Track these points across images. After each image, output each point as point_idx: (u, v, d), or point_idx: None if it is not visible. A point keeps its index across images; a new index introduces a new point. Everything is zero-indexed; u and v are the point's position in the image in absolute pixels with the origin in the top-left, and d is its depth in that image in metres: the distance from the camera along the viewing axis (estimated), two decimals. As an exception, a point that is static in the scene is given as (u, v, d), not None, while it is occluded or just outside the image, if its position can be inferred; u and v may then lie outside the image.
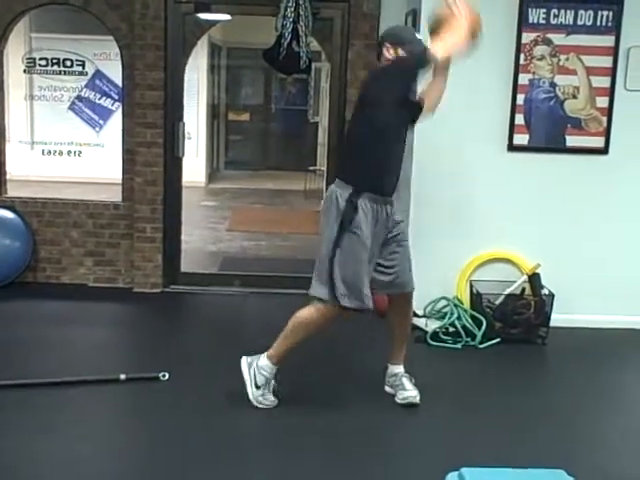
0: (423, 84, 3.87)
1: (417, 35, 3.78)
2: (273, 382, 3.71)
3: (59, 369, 4.06)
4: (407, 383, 3.83)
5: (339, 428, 3.56)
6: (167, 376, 3.97)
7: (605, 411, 3.97)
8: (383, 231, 3.62)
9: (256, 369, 3.68)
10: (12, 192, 5.97)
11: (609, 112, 4.96)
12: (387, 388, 3.92)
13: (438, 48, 3.44)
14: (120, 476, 3.15)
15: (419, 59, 3.47)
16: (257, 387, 3.67)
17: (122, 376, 3.92)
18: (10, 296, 5.36)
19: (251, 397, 3.67)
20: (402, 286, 3.78)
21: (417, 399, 3.77)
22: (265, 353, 3.71)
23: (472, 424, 3.68)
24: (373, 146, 3.55)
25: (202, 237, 7.83)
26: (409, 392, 3.79)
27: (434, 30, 3.61)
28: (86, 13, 5.60)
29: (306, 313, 3.63)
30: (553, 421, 3.76)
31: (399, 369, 3.89)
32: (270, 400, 3.68)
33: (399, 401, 3.79)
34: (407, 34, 3.78)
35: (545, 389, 4.20)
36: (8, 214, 5.62)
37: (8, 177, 5.93)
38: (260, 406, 3.66)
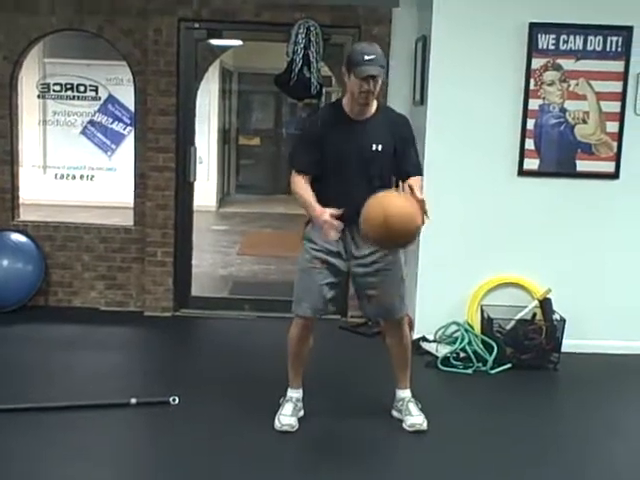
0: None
1: (368, 56, 3.41)
2: (299, 405, 3.81)
3: (70, 393, 4.07)
4: (413, 409, 3.81)
5: (347, 452, 3.54)
6: (177, 400, 3.97)
7: (617, 439, 3.92)
8: (353, 252, 3.64)
9: (284, 398, 3.86)
10: (25, 216, 6.00)
11: (619, 137, 4.97)
12: (394, 413, 3.90)
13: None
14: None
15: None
16: (284, 413, 3.78)
17: (133, 400, 3.92)
18: (22, 319, 5.38)
19: (276, 420, 3.76)
20: (388, 313, 3.77)
21: (424, 425, 3.75)
22: None
23: (482, 450, 3.65)
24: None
25: (213, 261, 7.85)
26: (415, 419, 3.77)
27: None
28: (99, 39, 5.67)
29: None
30: (564, 449, 3.72)
31: (404, 394, 3.87)
32: (292, 426, 3.72)
33: (406, 427, 3.77)
34: (356, 55, 3.47)
35: (556, 416, 4.17)
36: (21, 238, 5.66)
37: (21, 201, 5.97)
38: (283, 429, 3.70)
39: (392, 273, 3.70)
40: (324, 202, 3.48)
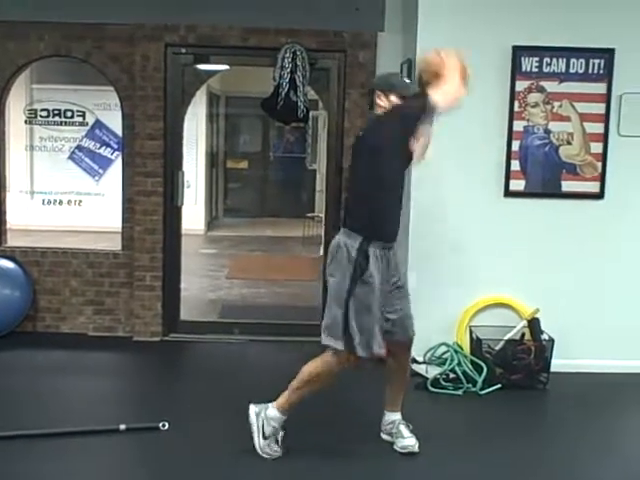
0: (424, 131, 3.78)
1: (406, 80, 3.85)
2: (281, 433, 3.67)
3: (58, 419, 4.04)
4: (405, 431, 3.80)
5: (338, 474, 3.53)
6: (167, 426, 3.94)
7: (607, 458, 3.94)
8: (389, 276, 3.65)
9: (265, 419, 3.64)
10: (12, 242, 6.00)
11: (604, 157, 5.02)
12: (384, 435, 3.89)
13: (439, 97, 3.44)
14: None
15: (422, 107, 3.46)
16: (264, 437, 3.63)
17: (122, 426, 3.90)
18: (9, 346, 5.34)
19: (257, 447, 3.62)
20: (404, 331, 3.76)
21: (416, 447, 3.74)
22: (274, 403, 3.66)
23: (473, 472, 3.65)
24: (376, 194, 3.57)
25: (201, 285, 7.84)
26: (408, 441, 3.76)
27: (423, 77, 3.65)
28: (87, 64, 5.69)
29: (320, 363, 3.61)
30: (554, 469, 3.73)
31: (396, 416, 3.86)
32: (274, 450, 3.64)
33: (398, 449, 3.76)
34: (396, 80, 3.87)
35: (546, 436, 4.17)
36: (8, 264, 5.64)
37: (8, 227, 5.96)
38: (265, 456, 3.62)
39: (407, 289, 3.80)
40: (380, 220, 3.59)
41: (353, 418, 4.21)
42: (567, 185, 5.05)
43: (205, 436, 3.92)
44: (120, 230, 5.79)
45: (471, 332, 5.02)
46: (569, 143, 5.01)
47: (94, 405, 4.37)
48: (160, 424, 3.94)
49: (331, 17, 5.45)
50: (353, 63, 5.53)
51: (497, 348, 4.88)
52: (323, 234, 6.40)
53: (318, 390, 3.64)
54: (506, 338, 4.91)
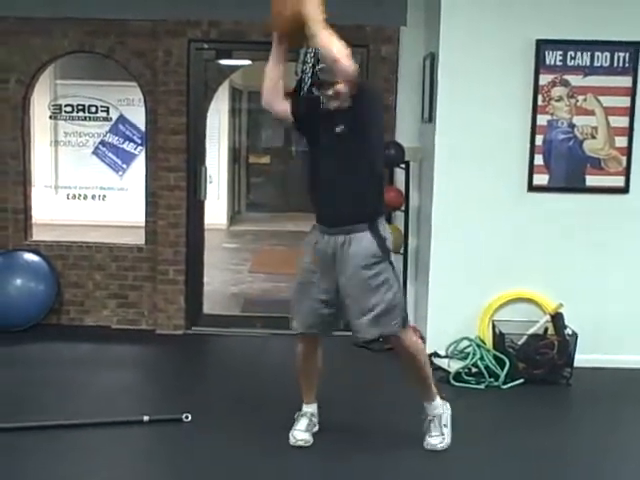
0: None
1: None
2: (314, 419, 3.81)
3: (82, 411, 4.09)
4: (433, 428, 3.74)
5: (364, 470, 3.54)
6: (190, 417, 3.98)
7: (631, 456, 3.91)
8: (331, 264, 3.56)
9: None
10: (37, 236, 6.05)
11: (628, 151, 4.97)
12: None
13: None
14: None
15: None
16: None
17: (145, 418, 3.94)
18: (34, 338, 5.41)
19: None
20: (355, 332, 3.62)
21: (438, 447, 3.69)
22: None
23: (495, 466, 3.65)
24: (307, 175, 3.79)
25: (224, 279, 7.87)
26: (431, 439, 3.72)
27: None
28: (110, 60, 5.73)
29: None
30: (577, 465, 3.71)
31: (427, 410, 3.77)
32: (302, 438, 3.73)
33: (424, 445, 3.74)
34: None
35: (569, 432, 4.15)
36: (33, 257, 5.70)
37: (33, 221, 6.02)
38: (298, 444, 3.72)
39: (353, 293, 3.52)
40: (314, 202, 3.78)
41: (379, 413, 4.22)
42: (591, 179, 5.01)
43: (227, 428, 3.95)
44: (143, 224, 5.83)
45: (494, 326, 5.00)
46: (593, 137, 4.97)
47: (117, 397, 4.42)
48: (183, 416, 3.98)
49: (353, 11, 5.42)
50: (376, 58, 5.52)
51: (520, 343, 4.86)
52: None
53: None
54: (529, 333, 4.89)
